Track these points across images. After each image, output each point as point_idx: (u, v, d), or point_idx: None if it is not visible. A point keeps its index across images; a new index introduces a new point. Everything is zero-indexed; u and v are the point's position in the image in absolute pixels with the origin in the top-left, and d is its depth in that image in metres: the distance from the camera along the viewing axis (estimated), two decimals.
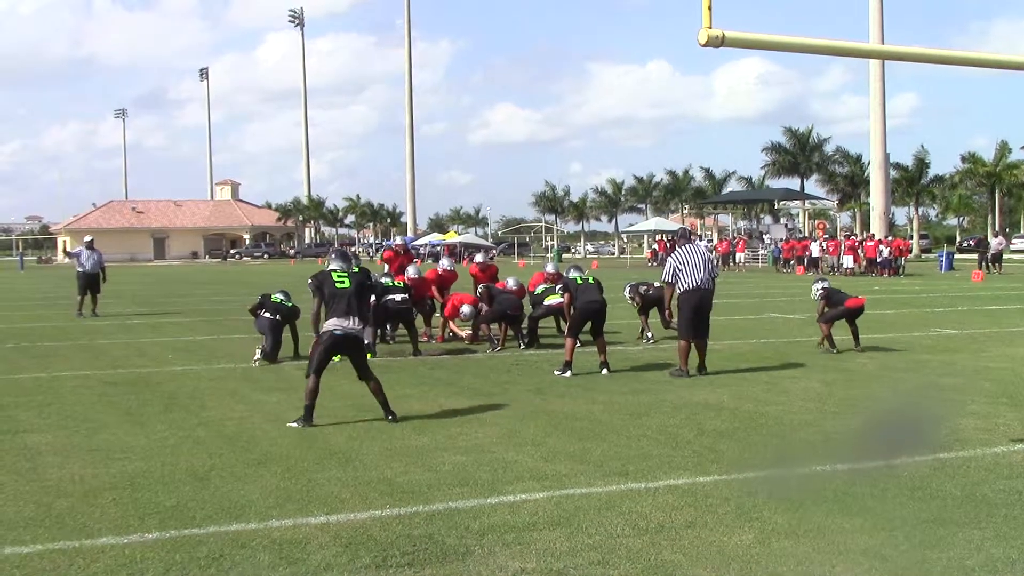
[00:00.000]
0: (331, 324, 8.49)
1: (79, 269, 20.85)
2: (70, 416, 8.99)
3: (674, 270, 11.42)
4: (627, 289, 15.37)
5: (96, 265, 20.98)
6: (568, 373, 11.22)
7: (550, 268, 15.68)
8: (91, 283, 20.83)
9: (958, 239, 72.66)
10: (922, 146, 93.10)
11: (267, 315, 12.97)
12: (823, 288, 13.88)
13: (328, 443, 7.69)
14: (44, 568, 4.87)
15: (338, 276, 8.79)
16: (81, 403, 9.73)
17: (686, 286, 11.30)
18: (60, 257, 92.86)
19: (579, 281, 11.90)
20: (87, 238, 22.36)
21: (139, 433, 8.16)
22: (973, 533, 5.29)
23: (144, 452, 7.44)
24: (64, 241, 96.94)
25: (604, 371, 11.41)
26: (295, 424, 8.34)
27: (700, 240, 40.44)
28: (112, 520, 5.65)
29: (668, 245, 56.78)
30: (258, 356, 12.52)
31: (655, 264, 54.79)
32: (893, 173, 62.40)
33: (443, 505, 5.89)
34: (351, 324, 8.49)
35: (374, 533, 5.36)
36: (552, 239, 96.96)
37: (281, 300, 13.21)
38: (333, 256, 9.30)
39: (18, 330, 18.05)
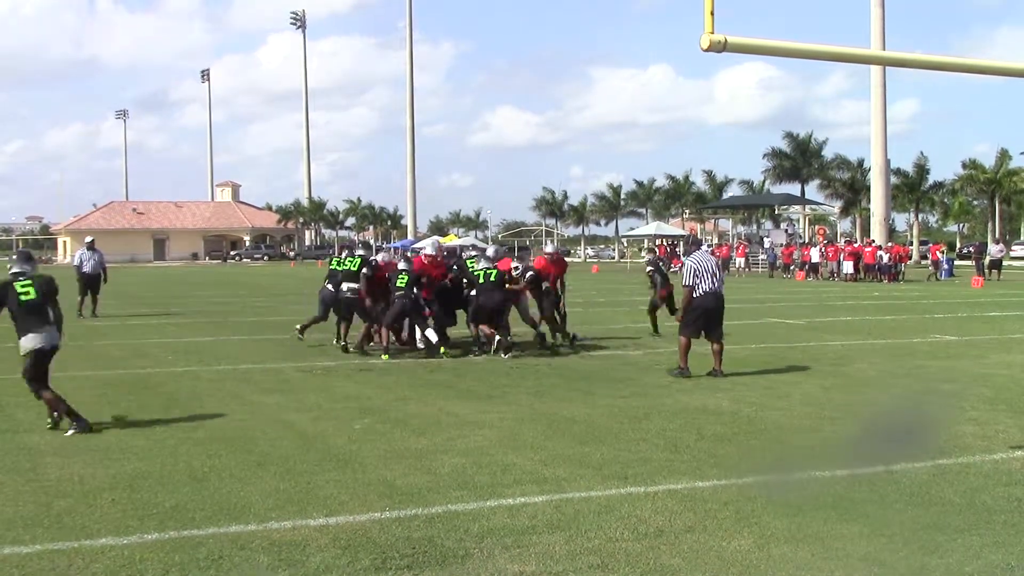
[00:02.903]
0: (30, 341, 8.08)
1: (80, 270, 20.86)
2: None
3: (693, 272, 11.53)
4: (646, 256, 16.08)
5: (96, 266, 21.00)
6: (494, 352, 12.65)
7: (549, 248, 15.93)
8: (91, 284, 20.85)
9: (958, 246, 72.65)
10: (921, 153, 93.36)
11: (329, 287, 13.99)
12: (652, 263, 15.74)
13: (327, 445, 7.70)
14: (43, 568, 4.87)
15: (22, 287, 8.05)
16: (81, 403, 9.70)
17: (703, 289, 11.45)
18: (60, 257, 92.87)
19: (481, 279, 12.51)
20: (88, 239, 22.34)
21: (138, 434, 8.17)
22: (972, 539, 5.30)
23: (143, 453, 7.44)
24: (64, 241, 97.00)
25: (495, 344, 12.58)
26: (72, 432, 8.03)
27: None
28: (111, 521, 5.65)
29: (668, 250, 56.88)
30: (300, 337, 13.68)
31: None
32: (893, 179, 62.37)
33: (442, 508, 5.90)
34: (46, 335, 8.12)
35: (373, 535, 5.37)
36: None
37: (347, 265, 13.86)
38: (14, 259, 8.30)
39: None
